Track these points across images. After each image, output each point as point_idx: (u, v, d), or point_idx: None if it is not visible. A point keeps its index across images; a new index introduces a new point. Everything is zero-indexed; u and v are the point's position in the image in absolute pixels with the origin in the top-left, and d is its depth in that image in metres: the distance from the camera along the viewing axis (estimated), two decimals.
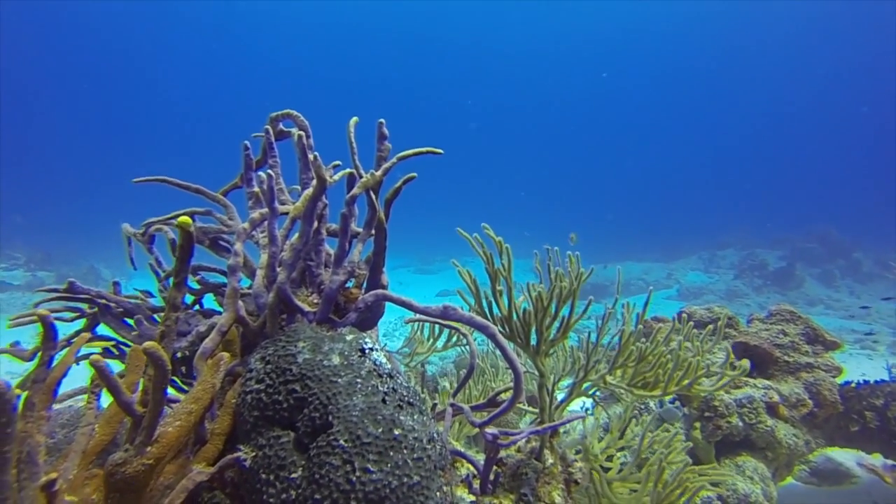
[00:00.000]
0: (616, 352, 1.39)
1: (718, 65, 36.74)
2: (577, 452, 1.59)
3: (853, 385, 3.20)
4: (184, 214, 1.58)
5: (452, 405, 1.38)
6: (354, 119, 1.18)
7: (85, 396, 1.00)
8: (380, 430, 0.83)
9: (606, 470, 1.69)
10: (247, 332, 1.12)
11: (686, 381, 1.50)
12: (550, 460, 1.38)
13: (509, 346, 0.92)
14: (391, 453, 0.81)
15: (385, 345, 1.67)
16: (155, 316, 1.55)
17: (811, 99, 34.54)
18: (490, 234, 1.31)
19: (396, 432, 0.83)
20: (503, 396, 1.43)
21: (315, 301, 1.15)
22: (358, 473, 0.79)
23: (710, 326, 3.46)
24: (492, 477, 1.31)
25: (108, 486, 0.72)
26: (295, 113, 1.38)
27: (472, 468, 1.41)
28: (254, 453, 0.88)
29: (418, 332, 1.89)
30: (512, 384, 1.46)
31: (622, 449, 1.75)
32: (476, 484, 1.34)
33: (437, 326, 1.85)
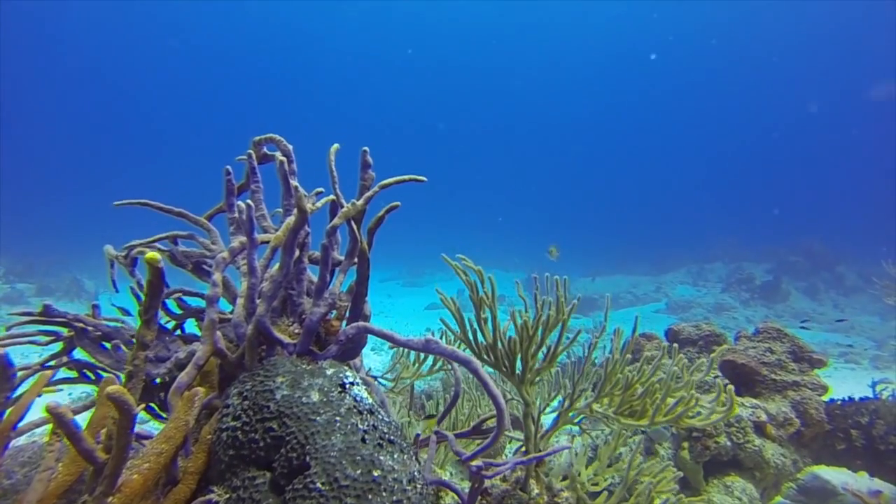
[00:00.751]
0: (602, 380, 1.37)
1: (708, 80, 37.44)
2: (564, 479, 1.56)
3: (839, 403, 3.22)
4: (166, 237, 1.55)
5: (437, 433, 1.36)
6: (335, 146, 1.17)
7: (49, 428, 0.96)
8: (358, 471, 0.80)
9: (594, 497, 1.66)
10: (225, 364, 1.09)
11: (674, 415, 1.48)
12: (536, 490, 1.35)
13: (492, 381, 0.90)
14: (370, 496, 0.79)
15: (370, 369, 1.65)
16: (134, 340, 1.51)
17: (799, 114, 35.27)
18: (469, 264, 1.30)
19: (376, 474, 0.81)
20: (489, 423, 1.41)
21: (296, 331, 1.13)
22: None
23: (715, 355, 3.45)
24: None
25: None
26: (278, 137, 1.37)
27: (456, 497, 1.38)
28: (227, 495, 0.85)
29: (403, 357, 1.87)
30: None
31: (610, 466, 1.73)
32: None
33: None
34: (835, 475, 3.40)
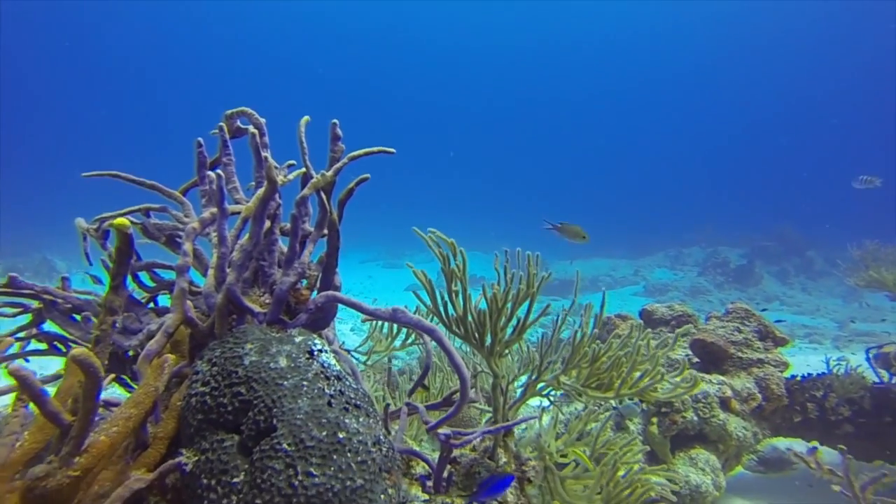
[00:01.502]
0: (570, 352, 1.42)
1: (687, 66, 37.66)
2: (534, 451, 1.62)
3: (798, 378, 3.38)
4: (139, 210, 1.54)
5: (408, 404, 1.40)
6: (305, 118, 1.17)
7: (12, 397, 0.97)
8: (324, 433, 0.83)
9: (562, 468, 1.73)
10: (196, 334, 1.10)
11: (638, 388, 1.54)
12: (504, 459, 1.41)
13: (456, 351, 0.94)
14: (335, 457, 0.82)
15: (343, 343, 1.67)
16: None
17: (779, 104, 35.81)
18: (441, 236, 1.32)
19: (341, 436, 0.84)
20: (458, 396, 1.45)
21: (266, 301, 1.14)
22: (300, 477, 0.79)
23: (679, 330, 3.56)
24: (445, 475, 1.33)
25: (27, 502, 0.70)
26: (250, 111, 1.35)
27: (426, 467, 1.42)
28: (196, 458, 0.87)
29: (377, 331, 1.89)
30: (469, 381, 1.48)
31: (579, 440, 1.80)
32: (430, 483, 1.36)
33: (395, 325, 1.85)
34: (790, 446, 3.59)
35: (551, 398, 1.54)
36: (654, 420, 3.10)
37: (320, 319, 1.20)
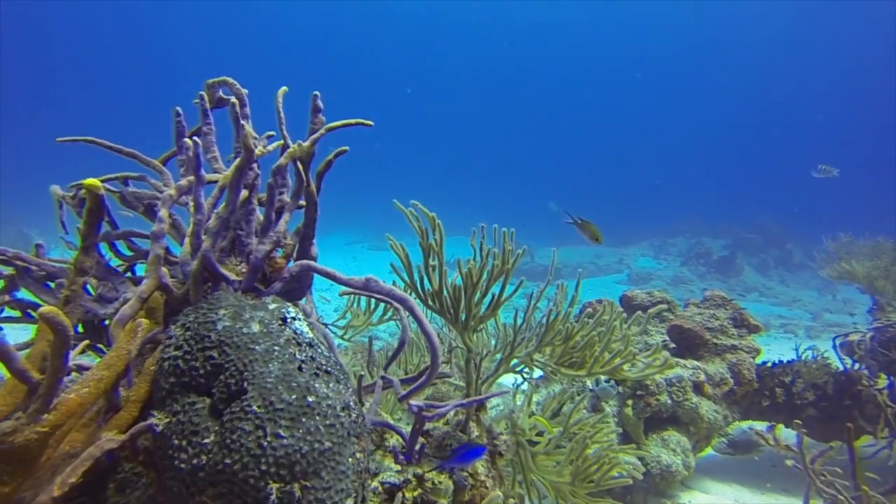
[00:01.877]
0: (544, 329, 1.45)
1: (673, 58, 37.68)
2: (507, 427, 1.66)
3: (768, 365, 3.48)
4: (116, 178, 1.52)
5: (383, 378, 1.42)
6: (283, 89, 1.16)
7: None
8: (293, 396, 0.85)
9: (535, 444, 1.78)
10: (170, 300, 1.10)
11: (610, 366, 1.58)
12: (476, 433, 1.44)
13: (427, 320, 0.95)
14: (304, 419, 0.83)
15: (321, 317, 1.68)
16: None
17: (765, 97, 36.10)
18: (422, 209, 1.32)
19: (310, 399, 0.85)
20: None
21: (242, 270, 1.15)
22: (269, 439, 0.81)
23: (652, 310, 3.65)
24: (417, 447, 1.36)
25: None
26: (231, 80, 1.34)
27: (400, 440, 1.45)
28: (167, 419, 0.88)
29: (354, 305, 1.91)
30: (444, 357, 1.51)
31: (553, 419, 1.85)
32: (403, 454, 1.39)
33: (373, 300, 1.87)
34: (758, 429, 3.72)
35: (525, 375, 1.57)
36: (630, 402, 3.19)
37: (296, 289, 1.21)
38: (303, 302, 1.60)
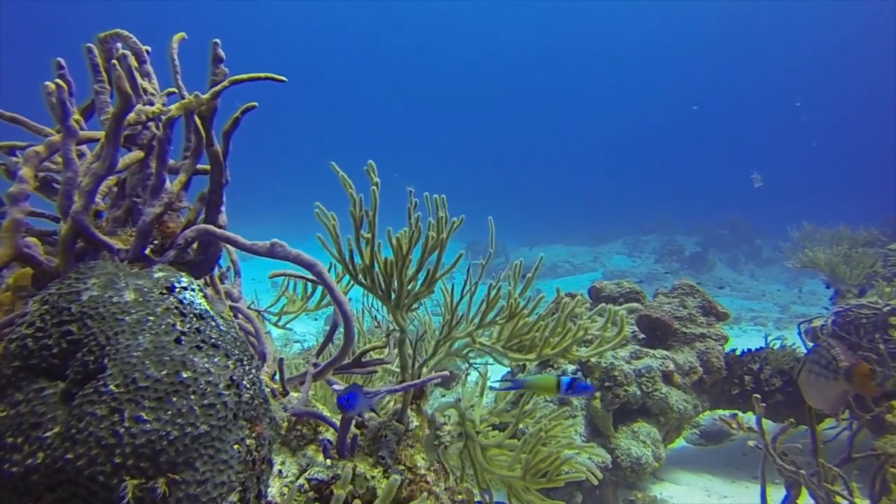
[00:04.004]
0: (485, 306, 1.34)
1: (648, 56, 38.44)
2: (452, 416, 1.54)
3: (737, 353, 3.45)
4: (0, 147, 1.34)
5: (315, 365, 1.28)
6: (179, 35, 1.02)
7: None
8: (163, 372, 0.70)
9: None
10: (40, 276, 0.94)
11: (560, 348, 1.47)
12: (416, 423, 1.31)
13: (338, 287, 0.82)
14: (174, 399, 0.69)
15: (253, 301, 1.54)
16: None
17: (741, 91, 37.00)
18: (371, 173, 1.19)
19: (185, 375, 0.71)
20: (370, 355, 1.34)
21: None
22: (127, 424, 0.66)
23: (621, 309, 3.55)
24: (349, 439, 1.23)
25: None
26: (125, 33, 1.19)
27: (332, 433, 1.32)
28: (3, 413, 0.73)
29: (290, 290, 1.76)
30: (381, 341, 1.38)
31: (508, 412, 1.73)
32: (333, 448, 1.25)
33: (309, 284, 1.72)
34: (721, 415, 3.69)
35: (467, 358, 1.45)
36: (598, 394, 3.10)
37: (203, 262, 1.06)
38: (228, 285, 1.45)
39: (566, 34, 37.73)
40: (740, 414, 3.14)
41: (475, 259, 1.43)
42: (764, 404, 1.61)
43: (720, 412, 3.65)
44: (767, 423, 2.87)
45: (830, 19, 28.40)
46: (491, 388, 1.61)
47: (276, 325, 1.72)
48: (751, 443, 1.70)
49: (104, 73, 1.18)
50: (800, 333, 3.54)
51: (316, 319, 6.25)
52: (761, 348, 3.48)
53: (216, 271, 1.35)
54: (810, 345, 3.31)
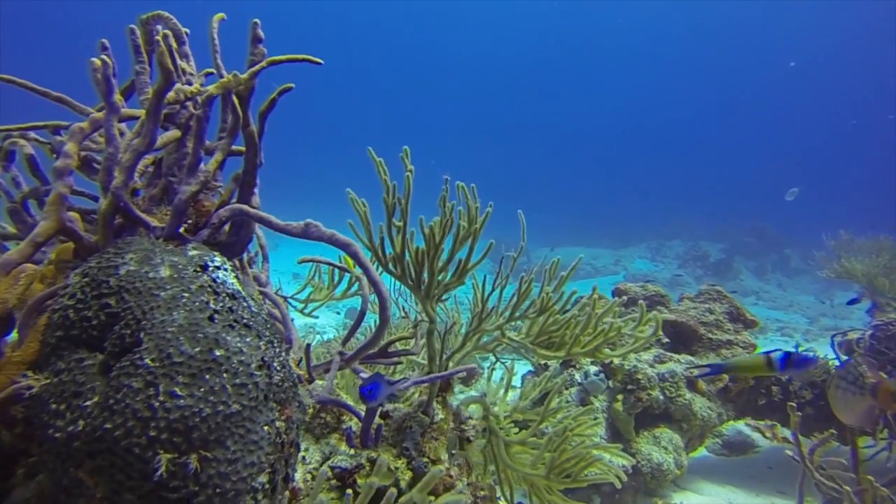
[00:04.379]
0: (516, 298, 1.31)
1: (673, 61, 37.68)
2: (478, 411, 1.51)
3: None
4: (45, 126, 1.37)
5: (341, 353, 1.27)
6: (219, 15, 1.02)
7: None
8: (197, 349, 0.70)
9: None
10: (81, 250, 0.95)
11: (591, 347, 1.43)
12: (441, 415, 1.29)
13: (373, 267, 0.81)
14: (206, 377, 0.69)
15: (279, 288, 1.54)
16: (7, 244, 1.34)
17: (769, 97, 36.03)
18: (406, 160, 1.17)
19: (217, 353, 0.71)
20: (396, 346, 1.33)
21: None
22: (162, 398, 0.66)
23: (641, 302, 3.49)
24: (374, 429, 1.21)
25: None
26: (167, 15, 1.19)
27: (358, 422, 1.31)
28: (48, 380, 0.73)
29: (315, 278, 1.75)
30: (409, 332, 1.36)
31: (532, 408, 1.70)
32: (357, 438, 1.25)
33: (336, 272, 1.72)
34: (752, 431, 3.59)
35: (496, 353, 1.42)
36: (620, 397, 3.04)
37: (235, 243, 1.06)
38: (256, 270, 1.46)
39: (593, 34, 37.24)
40: (778, 425, 3.03)
41: (499, 258, 1.40)
42: (800, 413, 1.53)
43: (743, 422, 3.55)
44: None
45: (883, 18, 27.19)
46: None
47: (301, 311, 1.72)
48: (788, 452, 1.63)
49: (145, 55, 1.19)
50: (833, 346, 3.41)
51: (338, 313, 6.30)
52: None
53: (244, 256, 1.36)
54: (844, 358, 3.19)
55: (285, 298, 1.62)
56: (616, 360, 3.05)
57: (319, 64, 1.04)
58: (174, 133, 1.04)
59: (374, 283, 0.81)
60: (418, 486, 0.79)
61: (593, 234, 16.98)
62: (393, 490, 0.94)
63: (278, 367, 0.79)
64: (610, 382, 3.13)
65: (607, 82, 41.11)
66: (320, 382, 1.30)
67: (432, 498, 1.03)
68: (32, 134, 1.34)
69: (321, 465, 1.16)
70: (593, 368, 3.05)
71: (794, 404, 1.55)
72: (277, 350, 0.82)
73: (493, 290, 1.31)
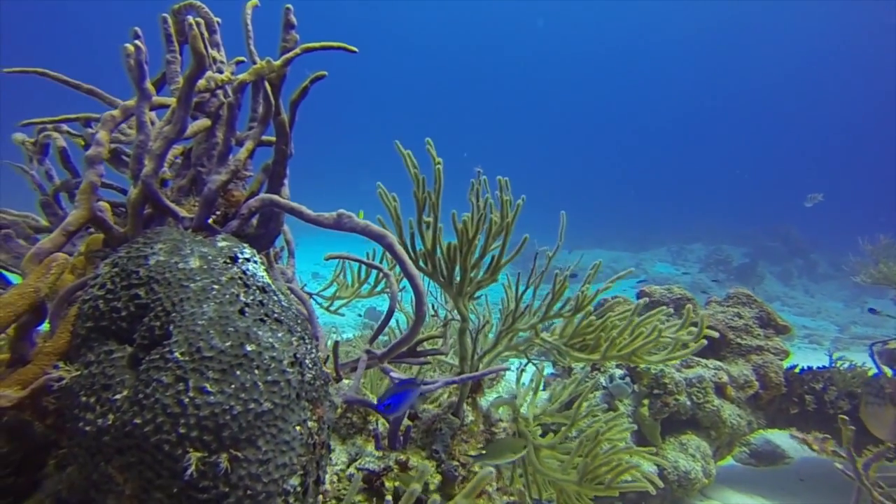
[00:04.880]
0: (551, 298, 1.25)
1: (696, 63, 37.01)
2: (507, 413, 1.46)
3: (797, 370, 3.22)
4: (76, 119, 1.36)
5: (368, 352, 1.24)
6: (253, 1, 0.99)
7: None
8: (227, 343, 0.67)
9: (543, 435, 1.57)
10: (110, 239, 0.94)
11: (628, 350, 1.36)
12: (471, 417, 1.25)
13: (409, 261, 0.77)
14: (237, 372, 0.65)
15: (304, 285, 1.51)
16: (38, 236, 1.34)
17: (790, 100, 35.19)
18: (432, 152, 1.13)
19: (249, 348, 0.67)
20: (424, 345, 1.29)
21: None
22: (192, 394, 0.63)
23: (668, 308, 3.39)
24: (402, 431, 1.18)
25: None
26: (199, 3, 1.17)
27: (385, 423, 1.27)
28: (78, 371, 0.71)
29: (341, 275, 1.71)
30: (438, 331, 1.32)
31: (560, 412, 1.64)
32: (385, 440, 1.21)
33: (363, 269, 1.68)
34: (784, 440, 3.45)
35: (527, 354, 1.37)
36: (646, 402, 2.95)
37: (263, 235, 1.03)
38: (283, 265, 1.43)
39: (612, 36, 36.82)
40: (831, 438, 2.89)
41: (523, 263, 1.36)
42: (853, 428, 1.44)
43: (772, 432, 3.42)
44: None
45: None
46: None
47: (327, 309, 1.70)
48: (838, 465, 1.54)
49: (176, 44, 1.17)
50: (872, 356, 3.26)
51: (359, 315, 6.29)
52: (824, 367, 3.23)
53: (270, 251, 1.33)
54: (887, 370, 3.05)
55: (311, 295, 1.60)
56: (642, 365, 2.97)
57: (354, 52, 1.01)
58: (204, 122, 1.02)
59: (410, 277, 0.77)
60: (465, 490, 0.75)
61: (613, 236, 16.75)
62: (436, 497, 0.89)
63: (310, 365, 0.75)
64: (636, 386, 3.04)
65: (632, 83, 40.62)
66: (346, 382, 1.27)
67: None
68: (65, 126, 1.34)
69: (348, 467, 1.12)
70: (619, 372, 2.97)
71: (845, 417, 1.46)
72: (309, 346, 0.78)
73: (527, 287, 1.26)
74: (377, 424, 1.26)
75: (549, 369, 3.46)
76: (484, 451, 1.10)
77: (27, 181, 1.44)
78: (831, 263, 13.34)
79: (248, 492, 0.63)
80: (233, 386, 0.64)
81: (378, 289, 1.65)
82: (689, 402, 2.96)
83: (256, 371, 0.66)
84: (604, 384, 3.00)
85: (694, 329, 1.34)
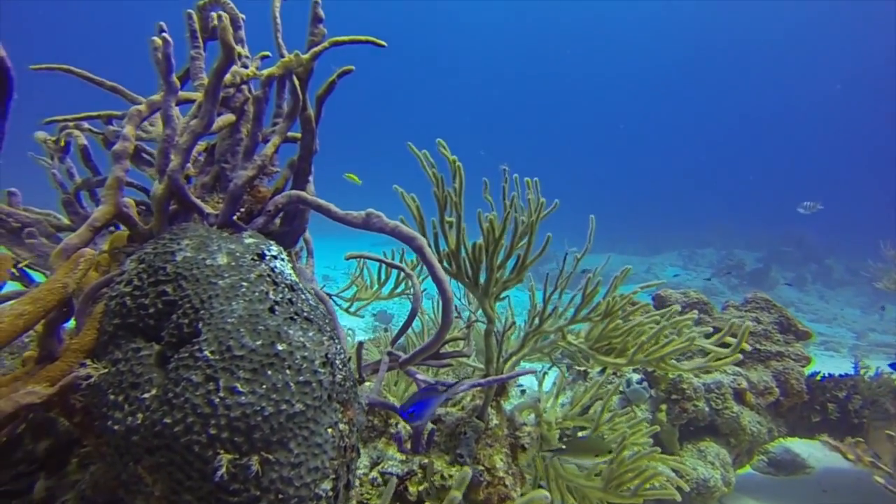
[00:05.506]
0: (581, 301, 1.22)
1: (709, 65, 36.72)
2: (531, 417, 1.43)
3: (819, 377, 3.15)
4: (98, 117, 1.36)
5: (390, 353, 1.21)
6: None
7: None
8: (258, 342, 0.65)
9: (562, 439, 1.54)
10: (135, 236, 0.92)
11: (658, 355, 1.33)
12: (495, 421, 1.22)
13: (438, 265, 0.75)
14: (269, 372, 0.63)
15: (323, 286, 1.49)
16: (60, 234, 1.34)
17: (803, 104, 34.79)
18: (445, 152, 1.11)
19: (280, 347, 0.65)
20: (447, 347, 1.26)
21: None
22: (222, 394, 0.61)
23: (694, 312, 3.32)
24: (426, 434, 1.15)
25: None
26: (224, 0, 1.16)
27: (405, 426, 1.24)
28: (106, 369, 0.70)
29: (360, 277, 1.69)
30: (461, 332, 1.29)
31: (583, 429, 1.61)
32: (409, 444, 1.18)
33: (383, 270, 1.66)
34: (804, 448, 3.37)
35: (552, 357, 1.34)
36: (663, 407, 2.90)
37: (288, 233, 1.01)
38: (303, 264, 1.41)
39: (630, 36, 36.67)
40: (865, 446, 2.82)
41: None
42: (892, 434, 1.39)
43: (793, 440, 3.35)
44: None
45: None
46: None
47: (347, 311, 1.68)
48: (878, 478, 1.49)
49: (201, 41, 1.16)
50: (893, 365, 3.18)
51: (373, 315, 6.28)
52: (846, 375, 3.16)
53: (292, 250, 1.31)
54: None
55: (330, 296, 1.58)
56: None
57: (383, 46, 0.99)
58: (229, 117, 1.00)
59: (438, 282, 0.75)
60: (523, 500, 0.72)
61: (624, 240, 16.63)
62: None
63: (340, 365, 0.73)
64: (653, 391, 2.99)
65: (646, 88, 40.42)
66: (368, 384, 1.25)
67: None
68: (86, 124, 1.34)
69: (370, 471, 1.10)
70: (636, 376, 2.92)
71: (892, 433, 1.41)
72: (339, 346, 0.76)
73: (554, 289, 1.23)
74: (399, 427, 1.24)
75: (557, 373, 3.42)
76: (563, 447, 1.08)
77: (48, 179, 1.44)
78: (848, 269, 13.12)
79: (280, 496, 0.60)
80: (264, 386, 0.62)
81: (399, 290, 1.63)
82: (707, 409, 2.90)
83: (288, 371, 0.64)
84: (621, 389, 2.95)
85: (732, 340, 1.30)
